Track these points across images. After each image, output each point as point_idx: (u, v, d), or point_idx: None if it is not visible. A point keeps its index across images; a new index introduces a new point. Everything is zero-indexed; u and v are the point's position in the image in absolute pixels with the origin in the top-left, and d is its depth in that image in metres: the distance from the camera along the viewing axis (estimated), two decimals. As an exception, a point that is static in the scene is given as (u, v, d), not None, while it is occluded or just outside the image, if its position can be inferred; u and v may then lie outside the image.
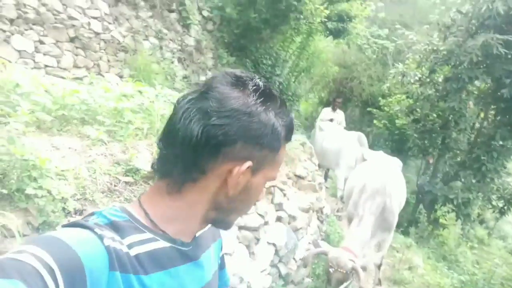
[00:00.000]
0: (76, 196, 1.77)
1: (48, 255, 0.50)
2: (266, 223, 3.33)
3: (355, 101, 12.83)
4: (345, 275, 3.31)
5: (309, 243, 4.08)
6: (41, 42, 3.76)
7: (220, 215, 0.73)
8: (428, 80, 8.36)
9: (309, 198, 4.24)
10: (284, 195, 3.64)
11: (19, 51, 3.56)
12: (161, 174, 0.70)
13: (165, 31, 5.38)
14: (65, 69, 3.90)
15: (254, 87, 0.66)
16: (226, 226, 0.77)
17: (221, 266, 0.97)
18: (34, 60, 3.65)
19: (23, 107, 1.93)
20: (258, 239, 3.22)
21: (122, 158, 2.24)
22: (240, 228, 2.96)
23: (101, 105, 2.53)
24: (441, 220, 8.92)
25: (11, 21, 3.51)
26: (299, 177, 4.37)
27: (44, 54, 3.77)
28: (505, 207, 8.10)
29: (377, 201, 3.77)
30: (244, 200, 0.72)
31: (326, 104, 12.83)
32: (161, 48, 5.26)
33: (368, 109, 12.05)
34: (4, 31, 3.43)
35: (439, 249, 7.66)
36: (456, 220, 8.57)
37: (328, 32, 9.14)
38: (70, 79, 2.80)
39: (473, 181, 7.86)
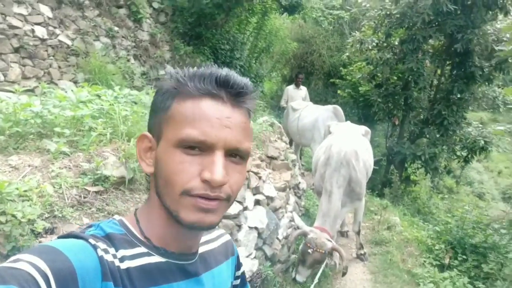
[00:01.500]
0: (44, 215, 1.72)
1: (42, 262, 0.51)
2: (245, 208, 3.36)
3: (317, 74, 12.92)
4: (323, 255, 3.45)
5: (290, 220, 4.16)
6: (-17, 58, 3.55)
7: (167, 205, 0.64)
8: (385, 44, 8.57)
9: (284, 177, 4.29)
10: (259, 178, 3.67)
11: (-41, 71, 3.35)
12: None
13: (116, 28, 5.17)
14: (13, 82, 3.70)
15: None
16: (183, 222, 0.62)
17: (242, 284, 0.94)
18: (-22, 78, 3.45)
19: (-28, 131, 1.83)
20: (239, 226, 3.25)
21: (88, 167, 2.18)
22: (223, 217, 2.98)
23: (57, 116, 2.43)
24: (412, 177, 9.34)
25: None
26: (271, 158, 4.41)
27: (-12, 70, 3.56)
28: (469, 156, 8.55)
29: (342, 173, 3.84)
30: (163, 176, 0.63)
31: (290, 81, 12.92)
32: (114, 47, 5.07)
33: (331, 80, 12.21)
34: None
35: (413, 205, 8.05)
36: (426, 175, 8.98)
37: (282, 9, 9.08)
38: (20, 92, 2.66)
39: (437, 135, 8.22)
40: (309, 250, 3.43)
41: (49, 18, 4.24)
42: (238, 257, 0.92)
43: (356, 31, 9.30)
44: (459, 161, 8.89)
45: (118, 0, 5.33)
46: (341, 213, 3.93)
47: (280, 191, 4.06)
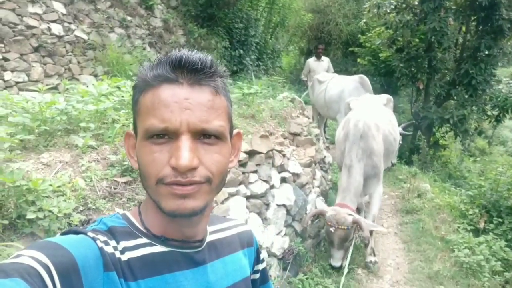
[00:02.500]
0: (79, 209, 1.78)
1: (44, 256, 0.52)
2: (272, 186, 3.39)
3: (335, 43, 12.59)
4: (347, 231, 3.28)
5: (317, 195, 4.16)
6: (6, 59, 3.64)
7: (151, 197, 0.64)
8: (404, 6, 8.20)
9: (308, 152, 4.27)
10: (283, 155, 3.66)
11: (-16, 74, 3.46)
12: None
13: (129, 18, 5.17)
14: (36, 81, 3.80)
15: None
16: (165, 211, 0.62)
17: (264, 280, 0.93)
18: (3, 80, 3.55)
19: (2, 133, 1.90)
20: (267, 204, 3.29)
21: (115, 159, 2.23)
22: (248, 197, 3.01)
23: (81, 111, 2.48)
24: (441, 142, 9.07)
25: (-32, 44, 3.38)
26: (294, 134, 4.38)
27: (12, 71, 3.66)
28: (501, 115, 8.20)
29: (361, 146, 3.66)
30: (140, 170, 0.63)
31: (307, 53, 12.65)
32: (129, 37, 5.09)
33: (350, 49, 11.89)
34: (-36, 56, 3.31)
35: (443, 170, 7.84)
36: (455, 138, 8.69)
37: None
38: (44, 91, 2.72)
39: (466, 96, 7.90)
40: (331, 229, 3.31)
41: (64, 15, 4.29)
42: (258, 250, 0.90)
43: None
44: (490, 121, 8.54)
45: (128, -12, 5.30)
46: (363, 189, 3.74)
47: (305, 167, 4.05)
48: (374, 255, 3.89)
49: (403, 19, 7.94)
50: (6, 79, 3.59)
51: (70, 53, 4.30)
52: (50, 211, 1.57)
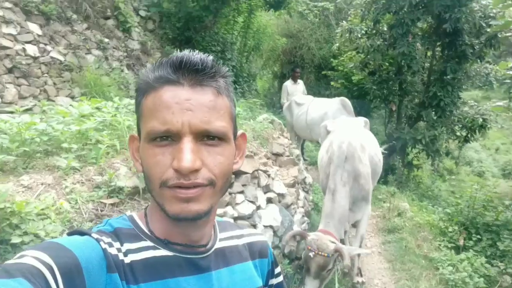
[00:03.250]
0: (65, 232, 1.67)
1: (47, 256, 0.51)
2: (258, 207, 3.33)
3: (307, 67, 12.92)
4: (326, 259, 2.97)
5: (302, 215, 4.13)
6: (-22, 81, 3.48)
7: (156, 200, 0.63)
8: (374, 31, 8.56)
9: (291, 172, 4.26)
10: (268, 176, 3.63)
11: (-45, 96, 3.28)
12: None
13: (106, 40, 5.10)
14: (10, 102, 3.63)
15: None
16: (169, 215, 0.61)
17: None
18: (-24, 101, 3.37)
19: (-20, 154, 1.77)
20: (254, 225, 3.22)
21: (101, 180, 2.13)
22: (235, 218, 2.94)
23: (63, 131, 2.38)
24: (414, 162, 9.34)
25: None
26: (277, 154, 4.37)
27: (-15, 92, 3.49)
28: (468, 135, 8.56)
29: (346, 168, 3.41)
30: (144, 173, 0.63)
31: (281, 77, 12.91)
32: (106, 58, 5.01)
33: (323, 72, 12.21)
34: None
35: (417, 189, 8.05)
36: (428, 158, 8.98)
37: (268, 5, 9.05)
38: (21, 112, 2.59)
39: (435, 117, 8.23)
40: (310, 254, 2.99)
41: (39, 36, 4.18)
42: (272, 263, 0.87)
43: (344, 21, 9.30)
44: (459, 141, 8.90)
45: (105, 11, 5.26)
46: (349, 217, 3.48)
47: (289, 187, 4.03)
48: (361, 275, 3.78)
49: (374, 43, 8.29)
50: (-22, 100, 3.41)
51: (45, 75, 4.16)
52: (36, 234, 1.46)
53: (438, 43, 8.35)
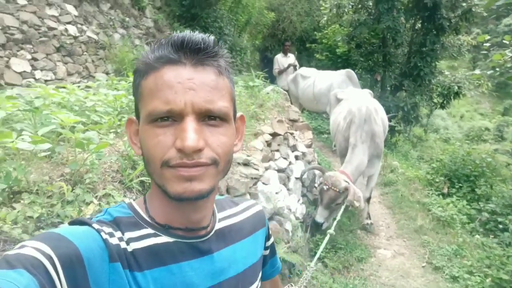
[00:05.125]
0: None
1: (47, 247, 0.51)
2: (290, 163, 3.95)
3: (289, 40, 13.34)
4: (337, 194, 3.52)
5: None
6: (35, 59, 3.81)
7: (156, 182, 0.63)
8: (359, 6, 9.12)
9: (306, 135, 4.88)
10: (294, 137, 4.24)
11: (20, 73, 3.62)
12: None
13: (127, 19, 5.41)
14: (61, 79, 3.99)
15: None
16: (171, 195, 0.60)
17: (272, 254, 0.94)
18: (34, 78, 3.71)
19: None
20: (288, 177, 3.85)
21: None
22: (278, 170, 3.55)
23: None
24: (396, 128, 10.19)
25: (3, 46, 3.53)
26: (293, 120, 4.97)
27: (41, 70, 3.83)
28: (445, 101, 9.45)
29: (365, 129, 3.96)
30: (145, 154, 0.62)
31: (263, 50, 13.34)
32: (130, 36, 5.34)
33: (308, 45, 12.70)
34: (1, 57, 3.46)
35: (399, 152, 8.92)
36: (407, 124, 9.83)
37: (259, -20, 9.35)
38: (78, 88, 2.96)
39: (415, 86, 9.02)
40: (325, 187, 3.54)
41: (76, 16, 4.48)
42: (268, 227, 0.91)
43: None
44: (436, 107, 9.76)
45: (121, -11, 5.54)
46: (366, 169, 4.04)
47: (308, 148, 4.66)
48: (370, 218, 4.57)
49: (360, 18, 8.87)
50: (37, 77, 3.76)
51: (85, 53, 4.50)
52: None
53: (418, 17, 9.05)
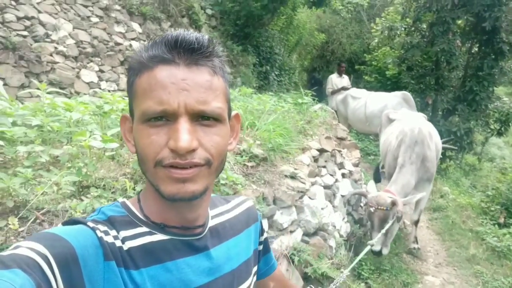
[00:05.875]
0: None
1: (42, 246, 0.51)
2: (336, 180, 3.96)
3: (337, 62, 13.37)
4: (386, 212, 3.38)
5: (366, 190, 4.74)
6: (101, 71, 4.21)
7: (150, 181, 0.63)
8: (413, 28, 9.01)
9: (354, 154, 4.87)
10: (341, 155, 4.26)
11: (87, 83, 4.02)
12: None
13: (186, 37, 5.76)
14: (123, 90, 4.35)
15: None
16: (164, 195, 0.61)
17: (266, 251, 0.93)
18: (100, 88, 4.10)
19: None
20: (334, 194, 3.86)
21: (243, 149, 2.79)
22: (324, 187, 3.58)
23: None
24: (447, 154, 9.77)
25: (75, 58, 3.94)
26: (341, 139, 4.98)
27: (106, 81, 4.22)
28: (502, 128, 8.96)
29: (416, 151, 3.88)
30: (138, 153, 0.63)
31: (311, 70, 13.46)
32: (187, 54, 5.66)
33: (357, 67, 12.67)
34: (73, 68, 3.87)
35: (450, 179, 8.51)
36: (460, 151, 9.39)
37: (310, 2, 9.59)
38: None
39: (470, 111, 8.65)
40: (371, 209, 3.43)
41: (140, 33, 4.89)
42: (261, 222, 0.90)
43: (381, 17, 9.76)
44: (492, 134, 9.29)
45: (181, 11, 5.94)
46: (414, 190, 3.88)
47: (355, 166, 4.64)
48: (417, 242, 4.41)
49: (413, 40, 8.75)
50: (102, 87, 4.14)
51: (146, 67, 4.86)
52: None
53: (475, 40, 8.76)
